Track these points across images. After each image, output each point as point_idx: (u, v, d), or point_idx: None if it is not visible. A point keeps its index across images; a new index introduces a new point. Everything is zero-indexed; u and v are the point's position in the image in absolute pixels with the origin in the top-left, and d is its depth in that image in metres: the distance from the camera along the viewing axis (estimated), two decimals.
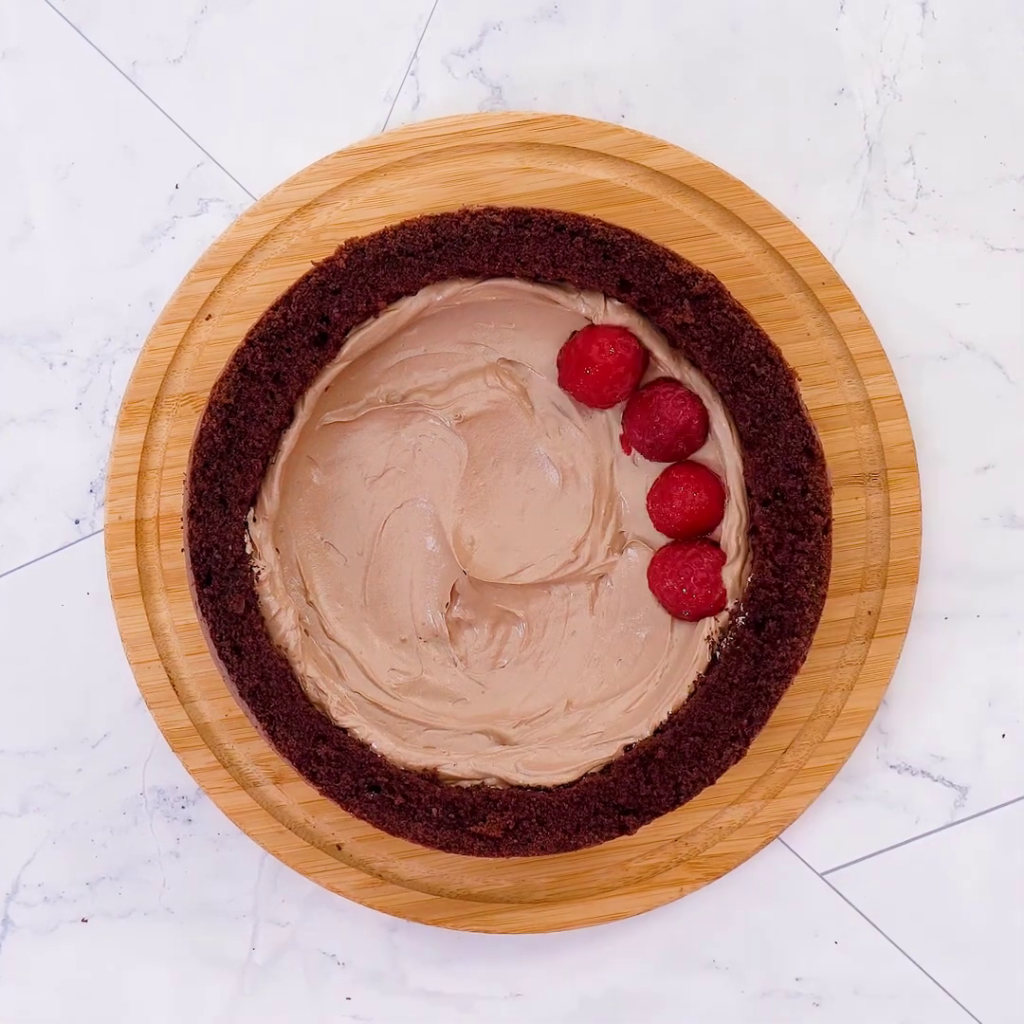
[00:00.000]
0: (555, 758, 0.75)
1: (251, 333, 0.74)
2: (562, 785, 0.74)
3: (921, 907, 0.83)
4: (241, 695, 0.73)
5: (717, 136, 0.82)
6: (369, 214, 0.79)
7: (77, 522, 0.82)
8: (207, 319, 0.80)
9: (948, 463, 0.82)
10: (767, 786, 0.81)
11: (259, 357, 0.74)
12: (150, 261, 0.82)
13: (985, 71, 0.82)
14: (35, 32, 0.82)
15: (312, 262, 0.74)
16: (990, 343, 0.82)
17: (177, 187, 0.82)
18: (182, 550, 0.75)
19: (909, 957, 0.83)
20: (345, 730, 0.75)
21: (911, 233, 0.82)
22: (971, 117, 0.82)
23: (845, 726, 0.80)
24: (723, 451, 0.75)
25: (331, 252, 0.74)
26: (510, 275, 0.74)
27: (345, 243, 0.74)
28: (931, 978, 0.83)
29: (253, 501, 0.74)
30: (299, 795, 0.80)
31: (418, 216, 0.74)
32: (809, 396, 0.78)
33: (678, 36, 0.82)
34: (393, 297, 0.74)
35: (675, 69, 0.82)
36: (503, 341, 0.77)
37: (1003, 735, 0.83)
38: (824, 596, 0.75)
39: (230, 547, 0.74)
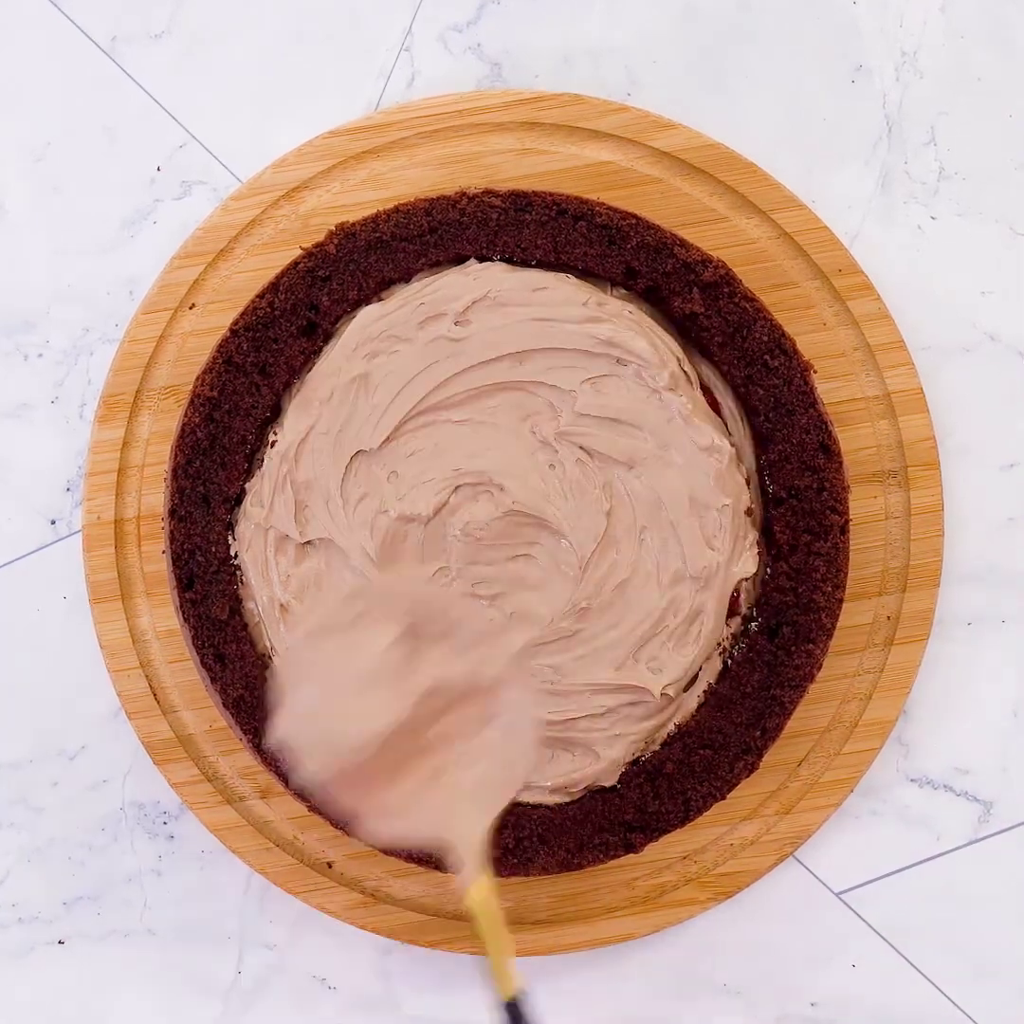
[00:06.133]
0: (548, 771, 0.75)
1: (236, 322, 0.74)
2: (563, 804, 0.74)
3: (943, 928, 0.82)
4: (225, 705, 0.73)
5: (728, 116, 0.81)
6: (361, 197, 0.78)
7: (53, 522, 0.82)
8: (190, 308, 0.79)
9: (971, 460, 0.82)
10: (781, 801, 0.80)
11: (244, 348, 0.73)
12: (130, 247, 0.82)
13: (1010, 47, 0.82)
14: (9, 5, 0.82)
15: (301, 247, 0.74)
16: (1016, 333, 0.82)
17: (159, 169, 0.82)
18: (163, 552, 0.74)
19: (931, 981, 0.83)
20: None
21: (933, 218, 0.82)
22: (995, 96, 0.82)
23: (863, 737, 0.80)
24: (739, 446, 0.75)
25: (321, 237, 0.73)
26: (510, 261, 0.74)
27: (335, 227, 0.74)
28: (954, 1003, 0.83)
29: (238, 500, 0.74)
30: (287, 810, 0.79)
31: (413, 199, 0.74)
32: (825, 389, 0.77)
33: (687, 10, 0.81)
34: (386, 284, 0.74)
35: (684, 45, 0.81)
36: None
37: None
38: (841, 600, 0.74)
39: (214, 548, 0.73)
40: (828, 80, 0.82)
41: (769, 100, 0.82)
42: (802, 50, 0.82)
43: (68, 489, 0.82)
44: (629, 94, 0.82)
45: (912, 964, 0.83)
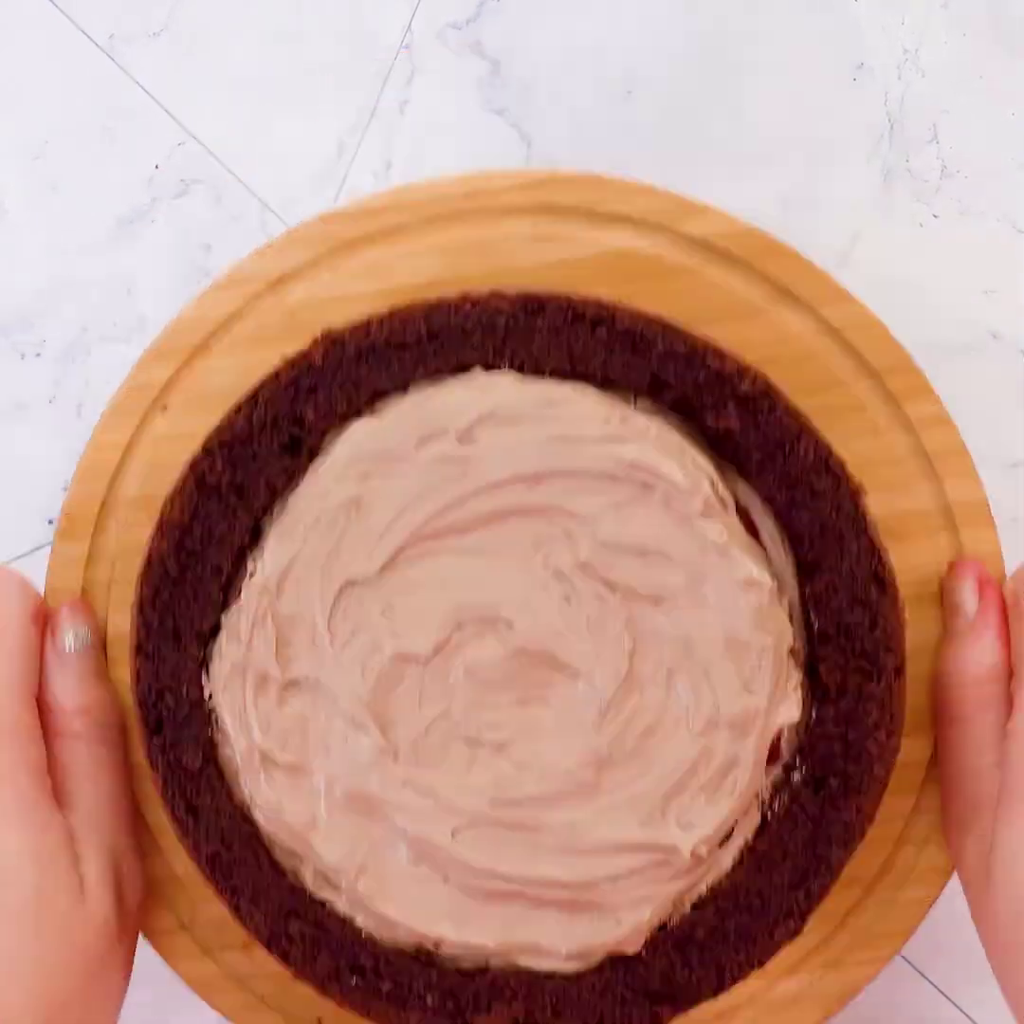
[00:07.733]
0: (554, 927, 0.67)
1: (209, 439, 0.66)
2: (580, 972, 0.67)
3: (947, 931, 0.82)
4: (198, 863, 0.67)
5: (729, 113, 0.81)
6: (355, 289, 0.70)
7: (50, 522, 0.82)
8: (163, 410, 0.71)
9: (974, 459, 0.79)
10: (826, 955, 0.72)
11: (218, 467, 0.65)
12: (128, 246, 0.81)
13: (1013, 45, 0.81)
14: (7, 4, 0.81)
15: (283, 357, 0.66)
16: (1018, 332, 0.81)
17: (157, 168, 0.81)
18: (130, 690, 0.67)
19: (935, 985, 0.82)
20: (323, 903, 0.67)
21: (935, 216, 0.82)
22: (998, 93, 0.81)
23: (919, 885, 0.72)
24: (780, 576, 0.67)
25: (307, 334, 0.66)
26: (521, 370, 0.66)
27: (321, 334, 0.66)
28: (954, 1004, 0.82)
29: (212, 635, 0.67)
30: (272, 965, 0.70)
31: (409, 301, 0.66)
32: (876, 501, 0.69)
33: (688, 7, 0.81)
34: (379, 396, 0.66)
35: (685, 42, 0.81)
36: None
37: None
38: (897, 750, 0.67)
39: (185, 689, 0.66)
40: (829, 78, 0.82)
41: (770, 98, 0.82)
42: (803, 48, 0.82)
43: (65, 489, 0.81)
44: (630, 91, 0.81)
45: (914, 966, 0.83)
